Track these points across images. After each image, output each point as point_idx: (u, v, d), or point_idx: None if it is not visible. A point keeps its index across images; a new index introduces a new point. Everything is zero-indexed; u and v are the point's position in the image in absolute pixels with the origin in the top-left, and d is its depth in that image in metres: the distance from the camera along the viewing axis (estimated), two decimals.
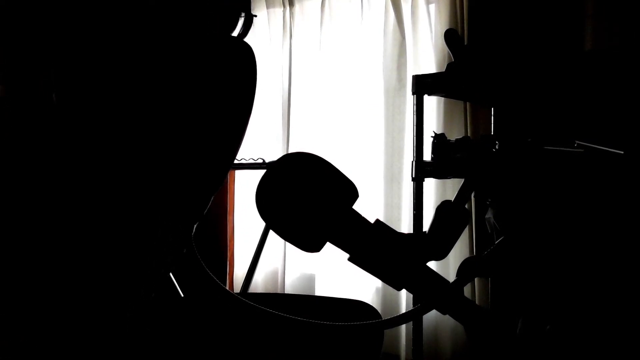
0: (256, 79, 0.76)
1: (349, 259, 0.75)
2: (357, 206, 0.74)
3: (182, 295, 1.09)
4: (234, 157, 0.79)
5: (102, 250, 0.69)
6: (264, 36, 2.97)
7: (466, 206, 0.80)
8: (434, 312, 0.85)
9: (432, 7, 2.47)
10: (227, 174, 2.49)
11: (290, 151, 2.80)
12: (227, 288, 0.84)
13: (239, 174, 2.92)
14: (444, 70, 2.28)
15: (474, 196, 2.10)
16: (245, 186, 2.92)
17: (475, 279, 2.23)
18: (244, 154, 2.66)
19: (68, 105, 0.67)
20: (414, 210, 2.00)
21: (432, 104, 2.37)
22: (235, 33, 0.80)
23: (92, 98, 0.67)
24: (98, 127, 0.68)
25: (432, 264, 0.77)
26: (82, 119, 0.67)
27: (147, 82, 0.70)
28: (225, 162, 0.79)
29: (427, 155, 1.95)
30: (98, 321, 0.70)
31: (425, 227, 0.90)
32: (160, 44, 0.72)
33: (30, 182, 0.66)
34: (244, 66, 0.76)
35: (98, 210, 0.68)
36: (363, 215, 0.75)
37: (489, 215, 0.85)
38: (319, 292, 2.68)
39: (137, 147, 0.70)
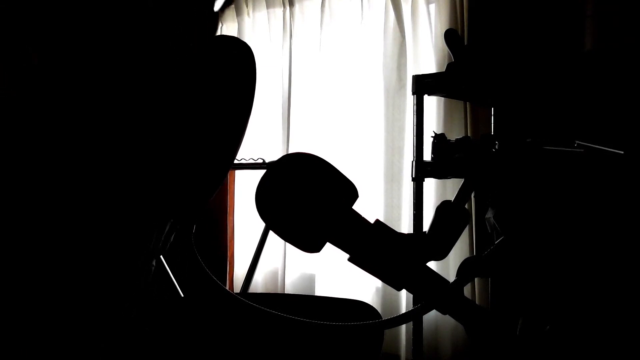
0: (256, 79, 0.76)
1: (349, 259, 0.75)
2: (357, 206, 0.74)
3: (182, 295, 1.09)
4: (233, 158, 0.79)
5: (100, 250, 0.69)
6: (264, 36, 2.97)
7: (466, 206, 0.80)
8: (434, 312, 0.85)
9: (432, 7, 2.47)
10: (226, 174, 2.49)
11: (290, 151, 2.80)
12: (227, 288, 0.84)
13: (239, 174, 2.92)
14: (444, 70, 2.29)
15: (474, 196, 2.10)
16: (245, 186, 2.92)
17: (475, 279, 2.23)
18: (244, 154, 2.66)
19: (67, 105, 0.67)
20: (414, 210, 2.00)
21: (432, 104, 2.37)
22: (217, 7, 0.79)
23: (91, 98, 0.68)
24: (98, 128, 0.68)
25: (432, 264, 0.77)
26: (82, 119, 0.67)
27: (146, 83, 0.70)
28: (225, 163, 0.79)
29: (427, 155, 1.95)
30: (94, 321, 0.70)
31: (425, 227, 0.90)
32: (159, 44, 0.72)
33: (28, 181, 0.66)
34: (243, 66, 0.76)
35: (96, 210, 0.68)
36: (363, 215, 0.75)
37: (489, 215, 0.85)
38: (319, 292, 2.67)
39: (137, 147, 0.70)
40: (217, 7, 0.79)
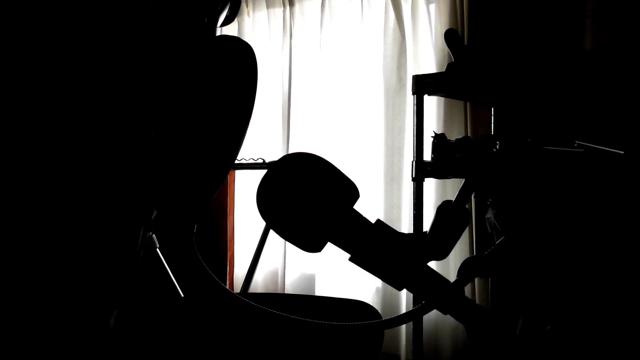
0: (257, 79, 0.76)
1: (350, 259, 0.75)
2: (357, 206, 0.74)
3: (182, 295, 1.09)
4: (234, 157, 0.79)
5: (99, 250, 0.69)
6: (264, 36, 2.97)
7: (466, 206, 0.80)
8: (434, 312, 0.85)
9: (432, 7, 2.47)
10: (227, 174, 2.50)
11: (290, 151, 2.81)
12: (227, 288, 0.84)
13: (239, 174, 2.92)
14: (444, 70, 2.29)
15: (474, 196, 2.10)
16: (245, 186, 2.92)
17: (475, 279, 2.23)
18: (244, 154, 2.67)
19: (67, 105, 0.67)
20: (414, 210, 2.00)
21: (432, 104, 2.37)
22: (222, 17, 0.80)
23: (91, 99, 0.68)
24: (98, 127, 0.68)
25: (432, 264, 0.77)
26: (82, 120, 0.67)
27: (147, 83, 0.70)
28: (226, 162, 0.79)
29: (427, 155, 1.95)
30: (93, 320, 0.70)
31: (426, 227, 0.90)
32: (159, 44, 0.72)
33: (27, 181, 0.66)
34: (244, 66, 0.76)
35: (96, 210, 0.68)
36: (364, 215, 0.75)
37: (489, 215, 0.85)
38: (319, 292, 2.68)
39: (138, 147, 0.70)
40: (219, 23, 0.79)
